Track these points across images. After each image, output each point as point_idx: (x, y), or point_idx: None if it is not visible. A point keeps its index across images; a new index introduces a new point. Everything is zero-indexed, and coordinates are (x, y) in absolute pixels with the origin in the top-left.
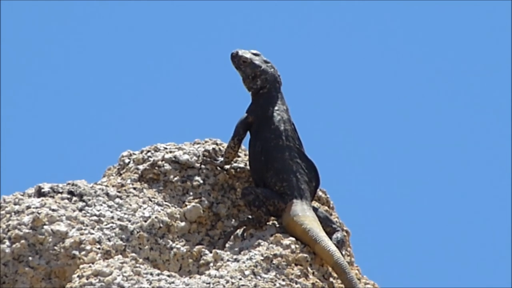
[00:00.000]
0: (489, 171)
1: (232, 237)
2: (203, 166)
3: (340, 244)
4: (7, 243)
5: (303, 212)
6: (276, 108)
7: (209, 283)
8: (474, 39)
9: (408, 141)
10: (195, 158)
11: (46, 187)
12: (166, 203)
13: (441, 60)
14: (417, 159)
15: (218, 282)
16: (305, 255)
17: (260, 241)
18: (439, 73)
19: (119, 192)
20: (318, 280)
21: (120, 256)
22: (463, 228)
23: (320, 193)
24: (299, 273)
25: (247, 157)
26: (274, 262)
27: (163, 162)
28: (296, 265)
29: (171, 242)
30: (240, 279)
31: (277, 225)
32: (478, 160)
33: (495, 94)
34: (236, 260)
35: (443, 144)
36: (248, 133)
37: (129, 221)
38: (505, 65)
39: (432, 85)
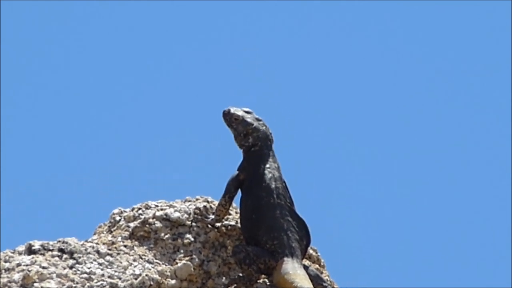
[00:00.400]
0: (489, 171)
1: None
2: (194, 223)
3: None
4: None
5: (294, 270)
6: (267, 166)
7: None
8: (474, 39)
9: (398, 192)
10: (186, 215)
11: (36, 244)
12: (157, 260)
13: (441, 60)
14: (416, 189)
15: None
16: None
17: None
18: (439, 74)
19: (109, 249)
20: None
21: None
22: (463, 228)
23: (311, 251)
24: None
25: (238, 215)
26: None
27: (154, 219)
28: None
29: None
30: None
31: (268, 283)
32: (478, 161)
33: (495, 94)
34: None
35: (442, 149)
36: (239, 191)
37: (120, 278)
38: (505, 65)
39: (432, 85)
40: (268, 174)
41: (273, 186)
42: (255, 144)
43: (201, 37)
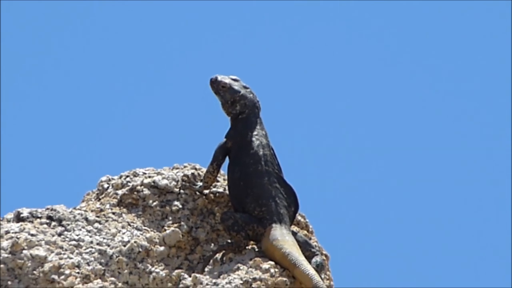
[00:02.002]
0: (489, 171)
1: (211, 261)
2: (182, 191)
3: (319, 268)
4: None
5: (282, 237)
6: (255, 133)
7: None
8: (474, 39)
9: (388, 162)
10: (174, 183)
11: (25, 212)
12: (145, 227)
13: (441, 60)
14: (400, 181)
15: None
16: (285, 279)
17: (239, 265)
18: (439, 74)
19: (98, 217)
20: None
21: (99, 280)
22: (463, 228)
23: (299, 217)
24: None
25: (226, 182)
26: (253, 286)
27: (142, 187)
28: None
29: (150, 267)
30: None
31: (257, 250)
32: (478, 161)
33: (495, 94)
34: (216, 284)
35: (441, 147)
36: (227, 158)
37: (108, 245)
38: (505, 65)
39: (432, 85)
40: (255, 141)
41: (260, 153)
42: (242, 112)
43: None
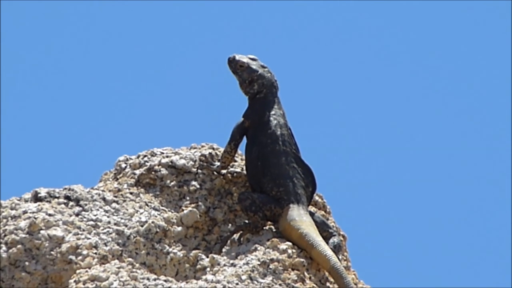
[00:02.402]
0: (489, 171)
1: (228, 242)
2: (199, 171)
3: (336, 249)
4: (4, 248)
5: (300, 217)
6: (272, 112)
7: None
8: (474, 39)
9: (405, 145)
10: (191, 163)
11: (42, 192)
12: (163, 208)
13: (440, 60)
14: (414, 162)
15: (215, 287)
16: (302, 259)
17: (256, 246)
18: (439, 74)
19: (115, 197)
20: (315, 285)
21: (116, 261)
22: (463, 228)
23: (316, 197)
24: (296, 278)
25: (244, 162)
26: (271, 267)
27: (160, 167)
28: (293, 270)
29: (167, 247)
30: (237, 284)
31: (274, 230)
32: (478, 160)
33: (495, 94)
34: (233, 265)
35: (442, 146)
36: (244, 138)
37: (126, 226)
38: (505, 65)
39: (432, 85)
40: (273, 121)
41: (278, 132)
42: (260, 91)
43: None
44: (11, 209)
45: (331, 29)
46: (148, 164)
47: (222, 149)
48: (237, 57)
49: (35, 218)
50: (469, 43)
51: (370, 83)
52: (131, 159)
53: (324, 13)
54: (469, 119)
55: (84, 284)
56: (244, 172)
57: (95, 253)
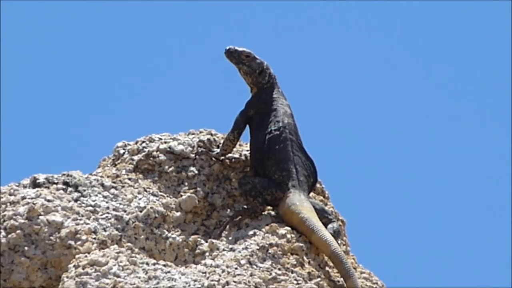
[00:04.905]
0: (489, 171)
1: (227, 226)
2: (198, 156)
3: (336, 234)
4: (3, 233)
5: (301, 202)
6: (280, 102)
7: (204, 273)
8: (474, 39)
9: (403, 131)
10: (189, 148)
11: (41, 177)
12: (161, 193)
13: (440, 60)
14: (413, 149)
15: (214, 271)
16: (301, 244)
17: (255, 230)
18: (439, 74)
19: (114, 182)
20: (314, 269)
21: (116, 246)
22: (463, 229)
23: None
24: (295, 262)
25: (242, 147)
26: (270, 251)
27: (158, 152)
28: (292, 254)
29: (166, 232)
30: (236, 268)
31: (273, 215)
32: (478, 160)
33: (495, 94)
34: (232, 250)
35: (439, 135)
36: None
37: (125, 211)
38: (505, 65)
39: (432, 85)
40: (280, 110)
41: (286, 121)
42: (268, 81)
43: None
44: (10, 195)
45: (330, 30)
46: (146, 150)
47: (220, 135)
48: (237, 48)
49: (34, 204)
50: (469, 43)
51: (367, 75)
52: (129, 145)
53: (323, 14)
54: (470, 117)
55: (83, 269)
56: (242, 158)
57: (94, 238)
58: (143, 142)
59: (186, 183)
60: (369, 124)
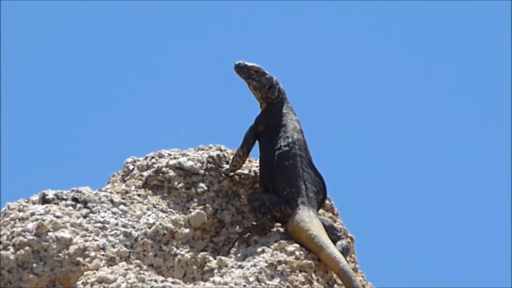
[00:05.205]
0: (489, 171)
1: (236, 243)
2: (207, 172)
3: (345, 252)
4: (12, 249)
5: (310, 219)
6: (289, 118)
7: None
8: (474, 39)
9: (411, 147)
10: (199, 164)
11: (50, 194)
12: (171, 209)
13: (440, 60)
14: (420, 165)
15: None
16: (310, 261)
17: (264, 247)
18: (439, 74)
19: (123, 198)
20: (322, 287)
21: (124, 262)
22: (464, 229)
23: None
24: (304, 280)
25: (251, 163)
26: (278, 268)
27: (168, 168)
28: (300, 271)
29: (175, 249)
30: (245, 285)
31: (282, 232)
32: (478, 160)
33: (495, 94)
34: (241, 267)
35: (447, 151)
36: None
37: (134, 227)
38: (505, 65)
39: (432, 85)
40: (290, 125)
41: (295, 137)
42: (278, 96)
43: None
44: (19, 211)
45: (330, 30)
46: (155, 165)
47: (229, 151)
48: (246, 63)
49: (43, 220)
50: (469, 43)
51: (376, 85)
52: (138, 160)
53: (323, 14)
54: (470, 117)
55: (91, 286)
56: (252, 174)
57: (103, 255)
58: (153, 157)
59: (195, 199)
60: (380, 141)
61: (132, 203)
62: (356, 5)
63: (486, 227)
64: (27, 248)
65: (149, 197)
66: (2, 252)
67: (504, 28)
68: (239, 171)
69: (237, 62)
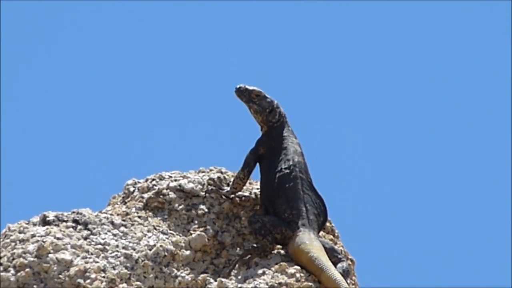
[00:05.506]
0: (489, 171)
1: (237, 265)
2: (208, 194)
3: (345, 274)
4: (12, 271)
5: (310, 241)
6: (290, 141)
7: None
8: (474, 39)
9: (413, 166)
10: (200, 186)
11: (51, 215)
12: (171, 231)
13: (440, 60)
14: (420, 184)
15: None
16: (310, 283)
17: (265, 269)
18: (439, 74)
19: (124, 220)
20: None
21: (125, 284)
22: (463, 228)
23: None
24: None
25: (252, 185)
26: None
27: (168, 190)
28: None
29: (176, 271)
30: None
31: (282, 254)
32: (478, 160)
33: (495, 95)
34: None
35: (447, 153)
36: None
37: (134, 249)
38: (505, 65)
39: (432, 85)
40: (291, 148)
41: (296, 159)
42: (278, 119)
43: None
44: (20, 232)
45: (330, 30)
46: (156, 187)
47: (230, 173)
48: (247, 86)
49: (44, 242)
50: (469, 43)
51: (375, 88)
52: (139, 182)
53: (323, 14)
54: (470, 117)
55: None
56: (252, 196)
57: (103, 277)
58: (153, 180)
59: (196, 221)
60: (379, 162)
61: (132, 224)
62: (356, 5)
63: (486, 227)
64: (27, 269)
65: (149, 219)
66: (3, 273)
67: (504, 28)
68: (239, 193)
69: (238, 86)
